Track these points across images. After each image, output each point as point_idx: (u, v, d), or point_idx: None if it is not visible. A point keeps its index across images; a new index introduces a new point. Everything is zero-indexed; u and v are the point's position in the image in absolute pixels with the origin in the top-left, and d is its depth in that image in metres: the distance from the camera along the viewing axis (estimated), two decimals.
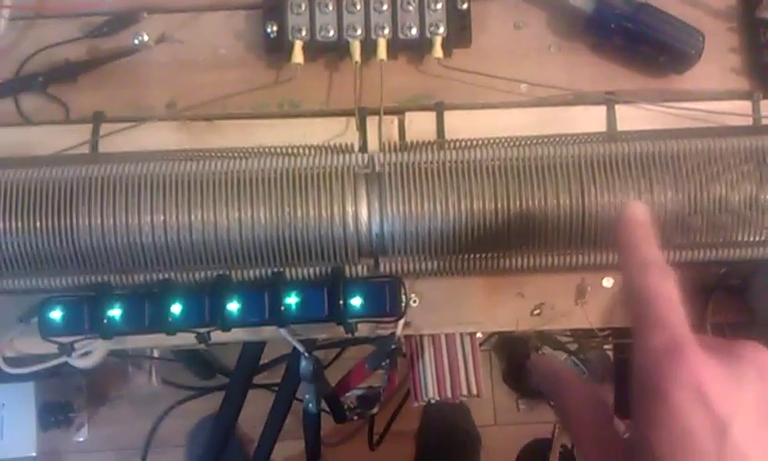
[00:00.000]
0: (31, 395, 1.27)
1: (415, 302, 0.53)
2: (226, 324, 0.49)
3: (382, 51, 0.55)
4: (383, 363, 0.56)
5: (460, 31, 0.56)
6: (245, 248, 0.48)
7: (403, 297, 0.49)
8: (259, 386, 1.00)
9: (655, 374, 0.29)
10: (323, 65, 0.57)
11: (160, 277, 0.50)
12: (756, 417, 0.28)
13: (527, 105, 0.56)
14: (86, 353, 0.52)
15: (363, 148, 0.54)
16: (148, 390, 1.34)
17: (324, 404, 0.62)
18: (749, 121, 0.55)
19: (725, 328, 0.52)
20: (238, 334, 0.50)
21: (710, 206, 0.48)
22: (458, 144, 0.52)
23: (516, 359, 1.34)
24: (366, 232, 0.48)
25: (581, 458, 0.34)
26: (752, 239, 0.49)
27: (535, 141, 0.52)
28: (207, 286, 0.50)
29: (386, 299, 0.49)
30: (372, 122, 0.54)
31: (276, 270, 0.50)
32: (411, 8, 0.55)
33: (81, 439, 1.35)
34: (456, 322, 0.54)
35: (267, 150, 0.53)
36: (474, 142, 0.52)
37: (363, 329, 0.52)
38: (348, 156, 0.50)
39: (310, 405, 0.62)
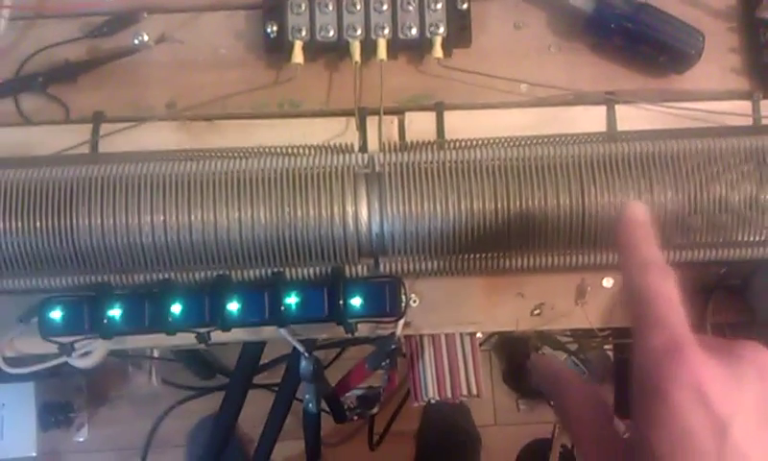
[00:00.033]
0: (31, 395, 1.27)
1: (415, 302, 0.53)
2: (226, 324, 0.49)
3: (382, 51, 0.55)
4: (383, 363, 0.56)
5: (460, 31, 0.56)
6: (245, 248, 0.48)
7: (403, 297, 0.49)
8: (259, 386, 1.00)
9: (655, 374, 0.29)
10: (322, 65, 0.57)
11: (160, 277, 0.50)
12: (757, 417, 0.28)
13: (527, 105, 0.56)
14: (86, 353, 0.52)
15: (363, 148, 0.54)
16: (148, 390, 1.34)
17: (324, 404, 0.62)
18: (749, 121, 0.55)
19: (725, 328, 0.52)
20: (238, 334, 0.50)
21: (710, 206, 0.48)
22: (458, 144, 0.52)
23: (515, 359, 1.34)
24: (366, 232, 0.48)
25: (581, 458, 0.34)
26: (752, 239, 0.49)
27: (535, 141, 0.52)
28: (207, 286, 0.50)
29: (386, 299, 0.49)
30: (371, 122, 0.54)
31: (275, 270, 0.50)
32: (411, 8, 0.55)
33: (81, 439, 1.35)
34: (456, 322, 0.54)
35: (267, 150, 0.53)
36: (474, 142, 0.52)
37: (363, 329, 0.52)
38: (347, 156, 0.50)
39: (310, 405, 0.62)
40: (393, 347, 0.54)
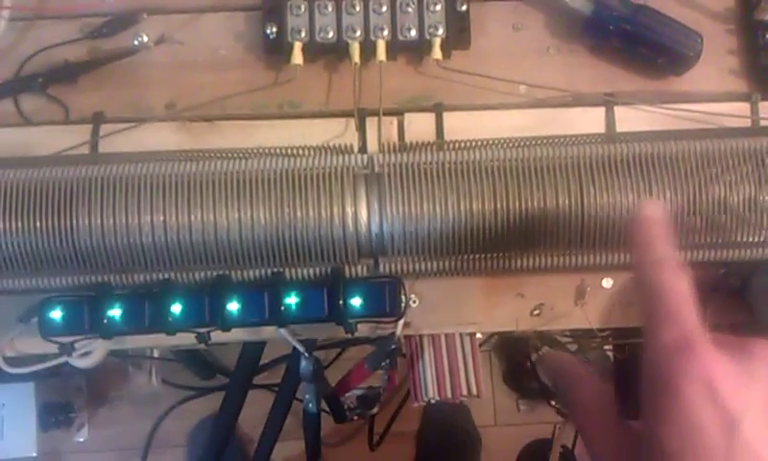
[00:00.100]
0: (31, 395, 1.27)
1: (414, 302, 0.53)
2: (226, 324, 0.49)
3: (381, 52, 0.55)
4: (383, 363, 0.57)
5: (459, 32, 0.56)
6: (245, 248, 0.48)
7: (403, 297, 0.50)
8: (259, 386, 1.00)
9: (666, 369, 0.29)
10: (322, 66, 0.57)
11: (160, 277, 0.51)
12: (767, 414, 0.28)
13: (526, 106, 0.56)
14: (86, 353, 0.52)
15: (362, 149, 0.54)
16: (148, 390, 1.34)
17: (324, 404, 0.62)
18: (747, 123, 0.55)
19: (725, 329, 0.52)
20: (238, 334, 0.51)
21: (709, 208, 0.48)
22: (457, 145, 0.53)
23: (515, 359, 1.34)
24: (365, 233, 0.48)
25: (588, 451, 0.34)
26: (751, 240, 0.49)
27: (534, 142, 0.52)
28: (207, 286, 0.50)
29: (386, 299, 0.49)
30: (371, 123, 0.54)
31: (275, 270, 0.51)
32: (410, 9, 0.55)
33: (81, 439, 1.35)
34: (456, 322, 0.54)
35: (267, 151, 0.53)
36: (473, 143, 0.53)
37: (363, 329, 0.52)
38: (347, 156, 0.50)
39: (310, 405, 0.62)
40: (393, 347, 0.54)
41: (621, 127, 0.54)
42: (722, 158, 0.48)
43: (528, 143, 0.52)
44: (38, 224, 0.48)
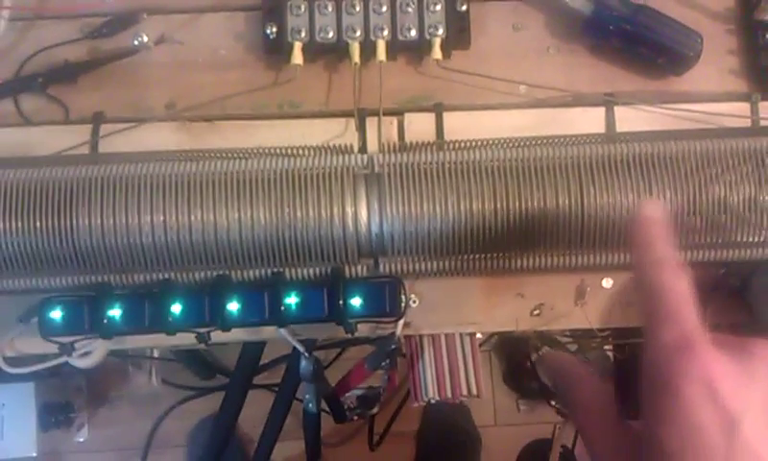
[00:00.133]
0: (31, 395, 1.27)
1: (414, 302, 0.53)
2: (226, 324, 0.49)
3: (381, 52, 0.55)
4: (383, 363, 0.57)
5: (459, 32, 0.56)
6: (245, 248, 0.48)
7: (403, 297, 0.50)
8: (259, 386, 1.00)
9: (666, 369, 0.29)
10: (322, 67, 0.57)
11: (160, 277, 0.51)
12: (767, 414, 0.28)
13: (526, 106, 0.56)
14: (86, 353, 0.52)
15: (362, 149, 0.54)
16: (148, 390, 1.34)
17: (324, 404, 0.62)
18: (747, 123, 0.55)
19: (725, 329, 0.52)
20: (238, 334, 0.51)
21: (709, 208, 0.48)
22: (457, 145, 0.53)
23: (515, 359, 1.34)
24: (365, 233, 0.48)
25: (588, 451, 0.34)
26: (751, 240, 0.49)
27: (534, 142, 0.52)
28: (207, 286, 0.50)
29: (386, 299, 0.49)
30: (371, 123, 0.54)
31: (275, 270, 0.51)
32: (410, 9, 0.55)
33: (81, 439, 1.35)
34: (456, 322, 0.54)
35: (267, 151, 0.53)
36: (473, 143, 0.53)
37: (363, 329, 0.52)
38: (347, 156, 0.50)
39: (310, 405, 0.62)
40: (393, 347, 0.54)
41: (621, 127, 0.54)
42: (722, 158, 0.48)
43: (528, 143, 0.52)
44: (38, 224, 0.48)
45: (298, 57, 0.55)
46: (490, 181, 0.48)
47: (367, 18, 0.55)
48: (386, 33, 0.55)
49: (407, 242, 0.48)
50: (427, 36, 0.55)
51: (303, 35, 0.55)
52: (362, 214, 0.48)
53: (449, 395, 0.54)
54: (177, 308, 0.48)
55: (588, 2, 0.55)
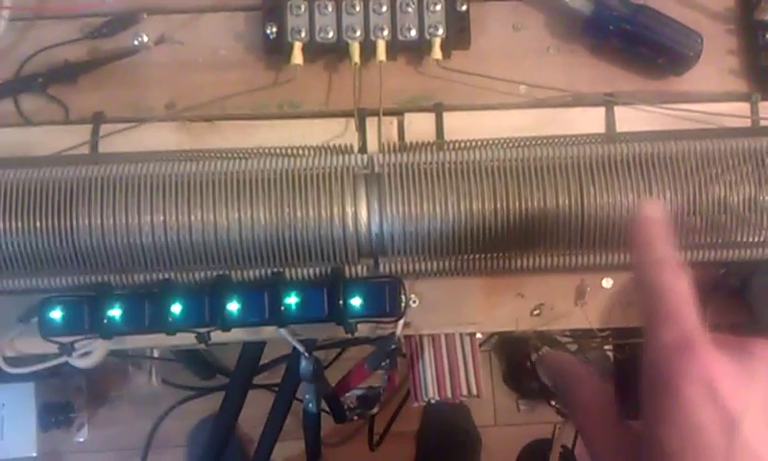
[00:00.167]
0: (31, 395, 1.27)
1: (414, 302, 0.53)
2: (226, 324, 0.49)
3: (381, 52, 0.55)
4: (383, 363, 0.57)
5: (459, 32, 0.56)
6: (245, 248, 0.48)
7: (403, 297, 0.50)
8: (259, 386, 1.00)
9: (666, 369, 0.29)
10: (322, 67, 0.57)
11: (160, 277, 0.51)
12: (767, 414, 0.28)
13: (526, 106, 0.56)
14: (86, 353, 0.52)
15: (362, 149, 0.54)
16: (148, 390, 1.34)
17: (324, 404, 0.62)
18: (747, 123, 0.55)
19: (725, 329, 0.52)
20: (238, 334, 0.51)
21: (709, 208, 0.48)
22: (457, 145, 0.53)
23: (515, 359, 1.34)
24: (365, 233, 0.48)
25: (588, 451, 0.34)
26: (751, 240, 0.49)
27: (534, 142, 0.52)
28: (207, 286, 0.50)
29: (386, 299, 0.49)
30: (371, 123, 0.54)
31: (275, 270, 0.51)
32: (410, 9, 0.55)
33: (81, 439, 1.35)
34: (456, 322, 0.54)
35: (267, 151, 0.53)
36: (473, 143, 0.53)
37: (363, 329, 0.52)
38: (347, 156, 0.50)
39: (310, 405, 0.62)
40: (393, 347, 0.54)
41: (621, 127, 0.54)
42: (722, 158, 0.48)
43: (528, 143, 0.52)
44: (38, 224, 0.48)
45: (298, 57, 0.55)
46: (490, 181, 0.48)
47: (367, 18, 0.55)
48: (386, 33, 0.55)
49: (407, 242, 0.48)
50: (427, 36, 0.55)
51: (303, 35, 0.55)
52: (362, 214, 0.48)
53: (449, 395, 0.54)
54: (177, 308, 0.48)
55: (588, 2, 0.56)
